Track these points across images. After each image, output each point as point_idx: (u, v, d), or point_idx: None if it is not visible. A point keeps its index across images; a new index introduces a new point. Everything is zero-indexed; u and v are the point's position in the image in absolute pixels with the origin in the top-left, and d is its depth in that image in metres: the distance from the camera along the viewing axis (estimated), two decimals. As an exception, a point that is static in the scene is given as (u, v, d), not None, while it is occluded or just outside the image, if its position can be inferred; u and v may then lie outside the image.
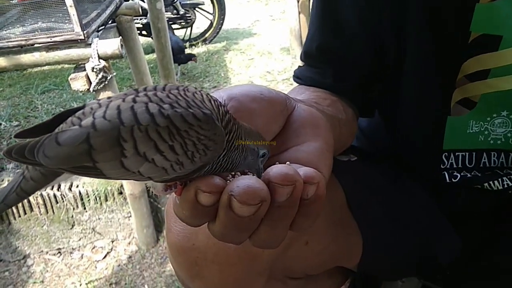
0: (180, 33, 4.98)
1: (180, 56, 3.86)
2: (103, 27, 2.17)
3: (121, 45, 1.79)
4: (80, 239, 2.30)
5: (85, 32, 1.75)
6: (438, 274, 0.75)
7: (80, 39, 1.75)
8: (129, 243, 2.33)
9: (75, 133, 0.33)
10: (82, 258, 2.26)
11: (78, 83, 1.79)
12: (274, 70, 4.14)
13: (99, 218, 2.28)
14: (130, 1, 2.50)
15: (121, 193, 2.24)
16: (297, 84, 0.78)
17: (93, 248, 2.31)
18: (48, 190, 2.13)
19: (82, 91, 1.83)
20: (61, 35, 1.77)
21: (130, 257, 2.26)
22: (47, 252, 2.27)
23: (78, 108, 0.36)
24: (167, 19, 3.23)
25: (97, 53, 1.76)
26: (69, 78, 1.80)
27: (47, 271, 2.20)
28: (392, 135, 0.81)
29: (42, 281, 2.14)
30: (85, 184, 2.20)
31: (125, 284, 2.11)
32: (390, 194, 0.73)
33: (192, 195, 0.35)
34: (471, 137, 0.71)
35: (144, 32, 4.44)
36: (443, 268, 0.73)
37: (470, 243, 0.73)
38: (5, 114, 3.26)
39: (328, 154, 0.46)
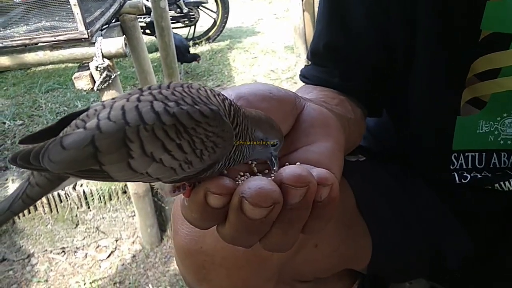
0: (183, 31, 4.98)
1: (186, 54, 3.85)
2: (106, 25, 2.16)
3: (125, 44, 1.78)
4: (84, 238, 2.29)
5: (89, 31, 1.74)
6: (447, 276, 0.74)
7: (84, 38, 1.75)
8: (133, 242, 2.33)
9: (80, 136, 0.32)
10: (86, 257, 2.26)
11: (82, 82, 1.79)
12: (278, 68, 4.13)
13: (103, 217, 2.28)
14: (134, 0, 2.49)
15: (125, 192, 2.24)
16: (303, 84, 0.77)
17: (97, 247, 2.31)
18: (52, 189, 2.13)
19: (86, 90, 1.83)
20: (65, 34, 1.77)
21: (134, 256, 2.25)
22: (51, 251, 2.27)
23: (82, 111, 0.36)
24: (171, 17, 3.22)
25: (101, 52, 1.75)
26: (73, 77, 1.79)
27: (51, 270, 2.20)
28: (400, 135, 0.80)
29: (46, 280, 2.14)
30: (89, 183, 2.20)
31: (129, 283, 2.11)
32: (399, 195, 0.72)
33: (202, 197, 0.34)
34: (481, 137, 0.70)
35: (147, 31, 4.44)
36: (452, 270, 0.72)
37: (480, 244, 0.72)
38: (9, 113, 3.26)
39: (339, 155, 0.45)
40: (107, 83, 1.79)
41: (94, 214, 2.26)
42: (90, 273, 2.16)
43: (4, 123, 3.12)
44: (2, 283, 2.12)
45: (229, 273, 0.49)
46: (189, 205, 0.36)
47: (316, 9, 2.91)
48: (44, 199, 2.15)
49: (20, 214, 2.18)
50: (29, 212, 2.18)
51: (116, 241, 2.33)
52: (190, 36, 4.94)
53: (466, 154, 0.72)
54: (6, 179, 2.27)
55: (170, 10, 4.05)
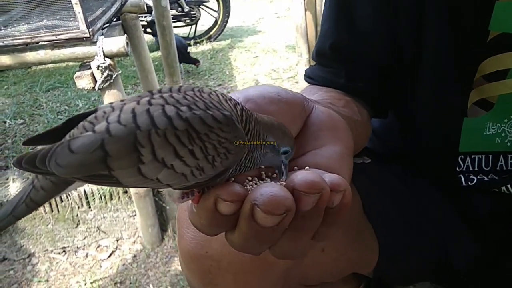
0: (184, 30, 4.97)
1: (186, 54, 3.85)
2: (108, 24, 2.15)
3: (127, 43, 1.77)
4: (85, 238, 2.29)
5: (90, 30, 1.73)
6: (452, 279, 0.73)
7: (85, 37, 1.74)
8: (134, 242, 2.32)
9: (89, 140, 0.31)
10: (87, 257, 2.25)
11: (83, 81, 1.78)
12: (279, 68, 4.12)
13: (104, 217, 2.27)
14: (135, -1, 2.48)
15: (126, 192, 2.23)
16: (308, 84, 0.76)
17: (98, 247, 2.30)
18: (53, 188, 2.13)
19: (87, 89, 1.82)
20: (66, 33, 1.76)
21: (135, 256, 2.25)
22: (52, 251, 2.27)
23: (89, 112, 0.34)
24: (172, 16, 3.21)
25: (103, 51, 1.74)
26: (74, 77, 1.79)
27: (52, 270, 2.19)
28: (406, 136, 0.79)
29: (47, 280, 2.13)
30: (90, 182, 2.19)
31: (130, 283, 2.10)
32: (405, 198, 0.71)
33: (211, 204, 0.33)
34: (487, 139, 0.69)
35: (148, 30, 4.43)
36: (457, 273, 0.71)
37: (487, 248, 0.71)
38: (10, 112, 3.26)
39: (349, 159, 0.44)
40: (108, 83, 1.79)
41: (95, 214, 2.25)
42: (91, 273, 2.15)
43: (5, 122, 3.11)
44: (3, 282, 2.12)
45: (236, 278, 0.48)
46: (198, 211, 0.35)
47: (318, 8, 2.90)
48: (45, 199, 2.14)
49: (21, 214, 2.18)
50: (30, 212, 2.18)
51: (117, 241, 2.33)
52: (191, 35, 4.94)
53: (473, 156, 0.71)
54: (7, 178, 2.27)
55: (171, 9, 4.03)
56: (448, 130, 0.71)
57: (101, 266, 2.20)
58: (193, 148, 0.32)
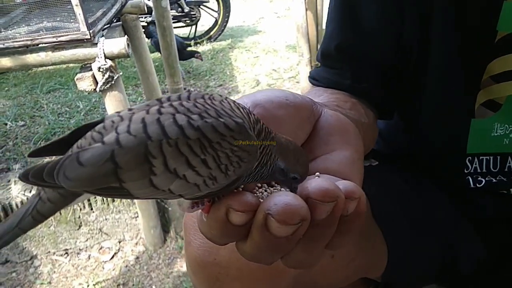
0: (185, 31, 4.96)
1: (183, 51, 3.82)
2: (108, 26, 2.15)
3: (128, 44, 1.77)
4: (87, 240, 2.28)
5: (91, 31, 1.73)
6: (460, 282, 0.72)
7: (86, 39, 1.73)
8: (136, 244, 2.32)
9: (98, 151, 0.30)
10: (89, 258, 2.25)
11: (84, 83, 1.77)
12: (280, 68, 4.11)
13: (106, 219, 2.27)
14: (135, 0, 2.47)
15: (128, 193, 2.23)
16: (313, 86, 0.75)
17: (100, 248, 2.30)
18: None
19: (88, 91, 1.81)
20: (67, 35, 1.75)
21: (137, 257, 2.24)
22: (54, 253, 2.26)
23: (96, 122, 0.33)
24: (172, 17, 3.21)
25: (103, 53, 1.73)
26: (75, 78, 1.78)
27: (54, 272, 2.19)
28: (412, 138, 0.78)
29: (50, 282, 2.13)
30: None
31: (133, 285, 2.10)
32: (413, 201, 0.70)
33: (223, 214, 0.32)
34: (495, 141, 0.69)
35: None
36: (464, 276, 0.70)
37: (494, 250, 0.70)
38: (11, 114, 3.25)
39: (359, 163, 0.44)
40: (109, 84, 1.78)
41: (97, 216, 2.25)
42: (93, 275, 2.15)
43: (6, 124, 3.11)
44: (5, 285, 2.11)
45: (244, 286, 0.47)
46: (208, 221, 0.34)
47: (319, 7, 2.89)
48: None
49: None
50: (32, 214, 2.17)
51: (119, 242, 2.32)
52: (191, 36, 4.93)
53: (481, 157, 0.70)
54: (8, 181, 2.26)
55: (171, 9, 4.02)
56: (456, 132, 0.70)
57: (103, 268, 2.19)
58: (205, 157, 0.31)
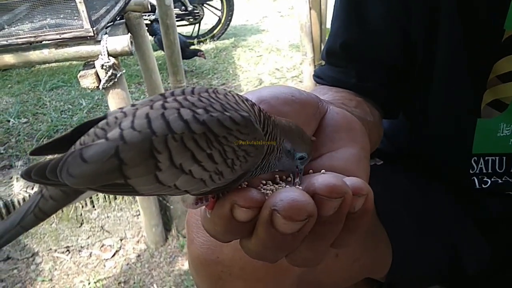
0: (188, 29, 4.96)
1: (186, 50, 3.82)
2: (111, 23, 2.14)
3: (131, 42, 1.76)
4: (88, 237, 2.28)
5: (94, 28, 1.72)
6: (464, 283, 0.71)
7: (89, 36, 1.73)
8: (138, 242, 2.32)
9: (102, 148, 0.30)
10: (90, 256, 2.25)
11: (87, 80, 1.77)
12: (283, 67, 4.11)
13: (108, 216, 2.27)
14: (139, -3, 2.47)
15: (130, 191, 2.23)
16: (317, 84, 0.75)
17: (102, 246, 2.30)
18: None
19: (91, 88, 1.81)
20: (70, 32, 1.75)
21: (139, 255, 2.24)
22: (55, 250, 2.26)
23: (99, 119, 0.33)
24: (175, 15, 3.20)
25: (107, 50, 1.73)
26: (78, 76, 1.78)
27: (56, 269, 2.19)
28: (417, 137, 0.78)
29: (51, 279, 2.13)
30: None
31: (134, 283, 2.09)
32: (418, 201, 0.70)
33: (227, 210, 0.32)
34: (501, 141, 0.68)
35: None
36: (469, 277, 0.69)
37: (499, 252, 0.70)
38: (14, 111, 3.26)
39: (366, 161, 0.43)
40: (112, 82, 1.78)
41: (98, 213, 2.25)
42: (94, 273, 2.15)
43: (9, 121, 3.11)
44: (7, 282, 2.11)
45: (247, 285, 0.47)
46: (212, 218, 0.33)
47: (323, 7, 2.88)
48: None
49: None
50: (34, 211, 2.18)
51: (121, 240, 2.32)
52: (194, 34, 4.93)
53: (486, 158, 0.70)
54: (11, 177, 2.27)
55: (174, 7, 4.02)
56: (461, 131, 0.70)
57: (105, 266, 2.19)
58: (211, 152, 0.30)
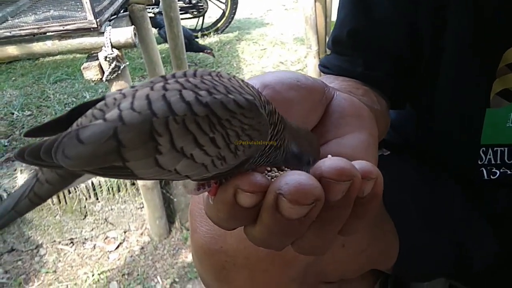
0: (192, 22, 4.94)
1: (193, 42, 3.81)
2: (115, 16, 2.13)
3: (135, 34, 1.75)
4: (92, 230, 2.29)
5: (98, 20, 1.71)
6: (470, 276, 0.70)
7: (93, 28, 1.72)
8: (142, 234, 2.32)
9: (100, 129, 0.28)
10: (94, 248, 2.26)
11: (90, 72, 1.76)
12: (287, 60, 4.09)
13: (111, 209, 2.27)
14: (143, -11, 2.45)
15: (133, 183, 2.23)
16: (323, 74, 0.73)
17: (106, 238, 2.30)
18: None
19: (94, 80, 1.80)
20: (74, 23, 1.74)
21: (142, 248, 2.25)
22: (59, 242, 2.27)
23: (96, 100, 0.31)
24: (179, 8, 3.19)
25: (110, 42, 1.72)
26: (81, 68, 1.77)
27: (60, 261, 2.20)
28: (424, 128, 0.76)
29: (55, 271, 2.14)
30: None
31: (138, 275, 2.10)
32: (425, 192, 0.68)
33: (231, 196, 0.31)
34: (510, 131, 0.67)
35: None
36: (475, 270, 0.68)
37: (508, 246, 0.68)
38: (18, 103, 3.26)
39: (374, 148, 0.42)
40: (116, 74, 1.77)
41: (102, 206, 2.25)
42: (98, 264, 2.15)
43: (13, 113, 3.12)
44: (11, 273, 2.12)
45: (252, 275, 0.46)
46: (215, 204, 0.32)
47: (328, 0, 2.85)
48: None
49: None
50: (38, 203, 2.18)
51: (125, 232, 2.33)
52: (198, 27, 4.91)
53: (495, 148, 0.68)
54: (15, 170, 2.27)
55: (178, 0, 4.00)
56: (470, 122, 0.68)
57: (108, 258, 2.20)
58: (214, 135, 0.29)
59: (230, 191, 0.31)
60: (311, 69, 2.93)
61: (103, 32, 1.74)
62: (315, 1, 2.66)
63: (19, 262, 2.18)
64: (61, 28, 1.75)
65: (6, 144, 2.68)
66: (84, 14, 1.73)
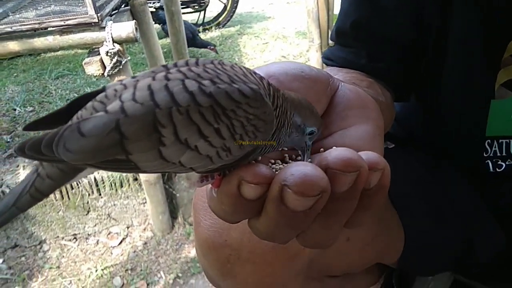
0: (193, 17, 4.92)
1: (197, 37, 3.80)
2: (116, 10, 2.13)
3: (136, 28, 1.74)
4: (95, 225, 2.29)
5: (99, 15, 1.71)
6: (476, 270, 0.70)
7: (94, 22, 1.71)
8: (145, 229, 2.32)
9: (102, 121, 0.28)
10: (97, 244, 2.26)
11: (92, 67, 1.76)
12: (289, 54, 4.07)
13: (114, 204, 2.27)
14: (144, -16, 2.44)
15: (136, 179, 2.23)
16: (327, 66, 0.72)
17: (109, 234, 2.31)
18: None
19: (96, 75, 1.80)
20: (75, 18, 1.73)
21: (145, 243, 2.25)
22: (63, 238, 2.28)
23: (96, 92, 0.31)
24: (180, 2, 3.17)
25: (111, 37, 1.72)
26: (83, 63, 1.77)
27: (63, 256, 2.20)
28: (428, 120, 0.75)
29: (58, 267, 2.14)
30: (100, 170, 2.19)
31: (141, 270, 2.10)
32: (430, 185, 0.68)
33: (234, 188, 0.30)
34: None
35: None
36: (481, 263, 0.68)
37: (513, 238, 0.68)
38: (20, 99, 3.26)
39: (380, 139, 0.41)
40: (117, 69, 1.76)
41: (105, 201, 2.25)
42: (101, 260, 2.16)
43: (15, 109, 3.12)
44: (15, 269, 2.13)
45: (256, 269, 0.45)
46: (219, 196, 0.31)
47: (330, -7, 2.84)
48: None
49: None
50: (41, 199, 2.19)
51: (128, 228, 2.33)
52: (200, 22, 4.88)
53: (500, 140, 0.67)
54: (17, 166, 2.27)
55: (179, -6, 3.98)
56: (474, 113, 0.67)
57: (111, 253, 2.20)
58: (219, 126, 0.28)
59: (234, 183, 0.30)
60: (313, 63, 2.92)
61: (104, 27, 1.74)
62: (317, -5, 2.64)
63: (23, 258, 2.19)
64: (62, 23, 1.75)
65: (8, 140, 2.68)
66: (85, 9, 1.73)
